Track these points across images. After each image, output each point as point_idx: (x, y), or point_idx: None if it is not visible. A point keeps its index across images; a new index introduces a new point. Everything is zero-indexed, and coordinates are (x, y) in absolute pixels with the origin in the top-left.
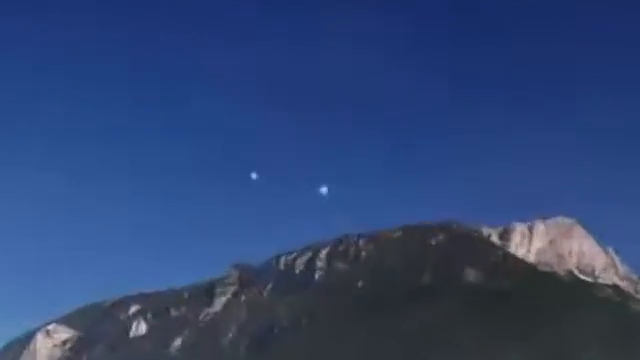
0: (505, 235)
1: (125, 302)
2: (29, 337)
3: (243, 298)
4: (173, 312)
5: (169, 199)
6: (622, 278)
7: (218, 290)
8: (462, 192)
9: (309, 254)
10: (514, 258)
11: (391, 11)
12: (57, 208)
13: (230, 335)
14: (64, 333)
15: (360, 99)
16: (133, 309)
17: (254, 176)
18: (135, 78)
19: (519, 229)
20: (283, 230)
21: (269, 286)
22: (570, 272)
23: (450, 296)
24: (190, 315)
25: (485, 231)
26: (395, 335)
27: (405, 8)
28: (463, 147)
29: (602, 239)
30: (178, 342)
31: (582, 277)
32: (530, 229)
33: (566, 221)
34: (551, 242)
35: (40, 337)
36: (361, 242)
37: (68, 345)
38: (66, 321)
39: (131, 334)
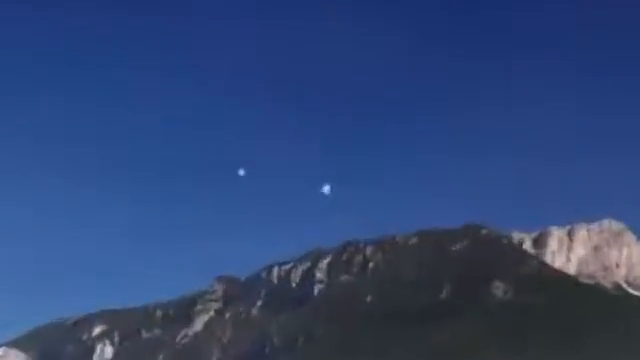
0: (540, 242)
1: (88, 321)
2: None
3: (228, 316)
4: (145, 333)
5: (140, 199)
6: None
7: (199, 307)
8: (488, 190)
9: (307, 264)
10: (551, 269)
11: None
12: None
13: None
14: (16, 358)
15: (366, 89)
16: (98, 329)
17: (241, 172)
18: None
19: (557, 235)
20: (276, 236)
21: (259, 302)
22: (618, 285)
23: (474, 314)
24: (165, 336)
25: (516, 237)
26: None
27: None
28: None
29: None
30: None
31: (632, 291)
32: (570, 235)
33: (614, 226)
34: (595, 250)
35: None
36: (369, 249)
37: None
38: (18, 344)
39: (95, 359)
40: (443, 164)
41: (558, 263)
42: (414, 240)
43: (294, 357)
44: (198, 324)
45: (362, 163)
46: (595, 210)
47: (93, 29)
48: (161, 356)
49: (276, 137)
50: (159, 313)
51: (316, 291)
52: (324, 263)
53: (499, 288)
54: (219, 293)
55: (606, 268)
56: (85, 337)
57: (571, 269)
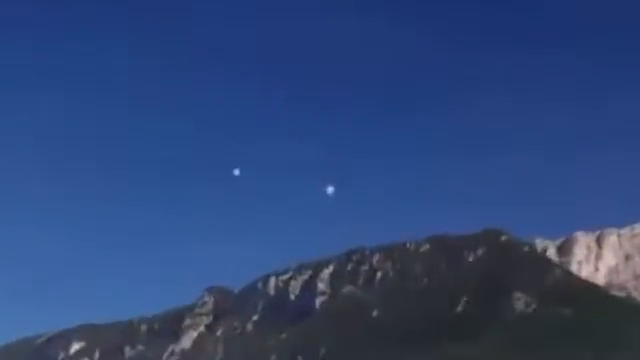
0: (565, 249)
1: (65, 337)
2: None
3: (220, 332)
4: (128, 351)
5: (122, 201)
6: None
7: (187, 322)
8: (508, 192)
9: (308, 273)
10: (577, 279)
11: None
12: None
13: None
14: None
15: (373, 87)
16: (76, 346)
17: (237, 172)
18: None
19: (584, 241)
20: (274, 242)
21: (254, 316)
22: None
23: (493, 329)
24: (150, 354)
25: (539, 244)
26: None
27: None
28: (508, 135)
29: None
30: None
31: None
32: (598, 241)
33: None
34: (627, 258)
35: None
36: (376, 257)
37: None
38: None
39: None
40: (458, 164)
41: (585, 273)
42: (426, 247)
43: None
44: (186, 341)
45: (368, 163)
46: (626, 213)
47: (92, 29)
48: None
49: (275, 135)
50: (143, 328)
51: (318, 304)
52: (326, 273)
53: (520, 300)
54: (210, 306)
55: (638, 278)
56: (62, 356)
57: (600, 279)
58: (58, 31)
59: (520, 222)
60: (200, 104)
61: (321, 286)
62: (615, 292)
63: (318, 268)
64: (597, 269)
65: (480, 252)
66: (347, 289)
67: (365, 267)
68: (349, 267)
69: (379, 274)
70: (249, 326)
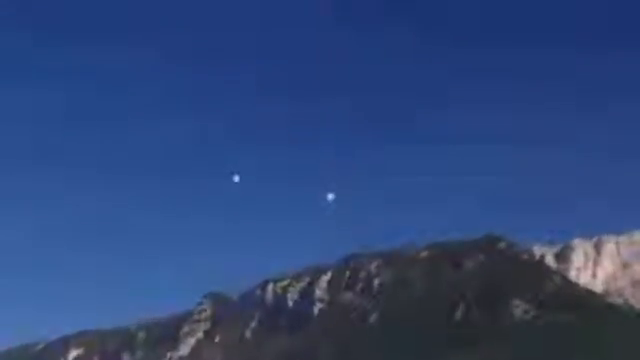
0: (564, 256)
1: (64, 343)
2: None
3: (218, 339)
4: (126, 357)
5: (121, 206)
6: None
7: (186, 328)
8: (506, 199)
9: (306, 280)
10: (575, 286)
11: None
12: None
13: None
14: None
15: (374, 85)
16: (74, 353)
17: (236, 179)
18: None
19: (582, 248)
20: (272, 248)
21: (253, 323)
22: None
23: (492, 335)
24: None
25: (537, 251)
26: None
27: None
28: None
29: None
30: None
31: None
32: (596, 248)
33: None
34: (625, 265)
35: None
36: (374, 264)
37: None
38: None
39: None
40: (455, 171)
41: (583, 279)
42: (424, 254)
43: None
44: (185, 347)
45: (366, 169)
46: (624, 221)
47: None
48: None
49: (273, 141)
50: (142, 335)
51: (316, 311)
52: (324, 280)
53: (519, 307)
54: (208, 313)
55: (636, 284)
56: None
57: (598, 286)
58: (57, 30)
59: (518, 229)
60: (200, 109)
61: (319, 293)
62: (613, 299)
63: (316, 275)
64: (595, 276)
65: (478, 259)
66: (345, 296)
67: (363, 274)
68: (347, 274)
69: (377, 281)
70: (247, 332)
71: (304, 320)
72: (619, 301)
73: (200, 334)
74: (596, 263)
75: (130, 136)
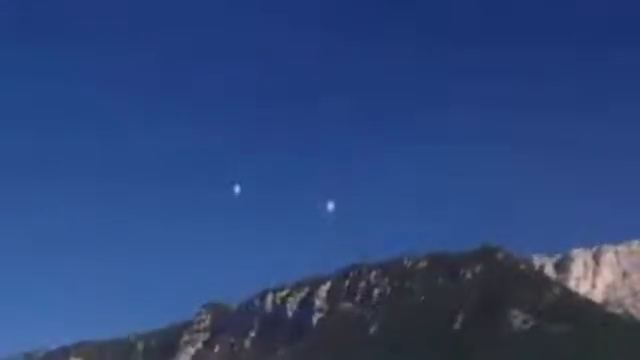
0: (563, 266)
1: (63, 354)
2: None
3: (217, 349)
4: None
5: (119, 213)
6: None
7: (185, 338)
8: (505, 209)
9: (305, 290)
10: (575, 296)
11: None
12: None
13: None
14: None
15: (374, 86)
16: None
17: (237, 189)
18: None
19: (581, 258)
20: (271, 258)
21: (252, 333)
22: None
23: (490, 346)
24: None
25: (536, 261)
26: None
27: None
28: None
29: None
30: None
31: None
32: (596, 258)
33: None
34: (624, 275)
35: None
36: (373, 274)
37: None
38: None
39: None
40: (453, 180)
41: (583, 289)
42: (423, 264)
43: None
44: (184, 357)
45: (365, 178)
46: (623, 230)
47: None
48: None
49: (273, 147)
50: (141, 345)
51: (315, 321)
52: (324, 289)
53: (517, 317)
54: (207, 323)
55: (636, 294)
56: None
57: (597, 296)
58: (56, 35)
59: (517, 239)
60: (200, 114)
61: (318, 303)
62: (613, 309)
63: (315, 285)
64: (595, 286)
65: (477, 269)
66: (344, 306)
67: (362, 284)
68: (347, 284)
69: (376, 291)
70: (246, 343)
71: (303, 330)
72: (619, 311)
73: (199, 344)
74: (595, 273)
75: (128, 143)
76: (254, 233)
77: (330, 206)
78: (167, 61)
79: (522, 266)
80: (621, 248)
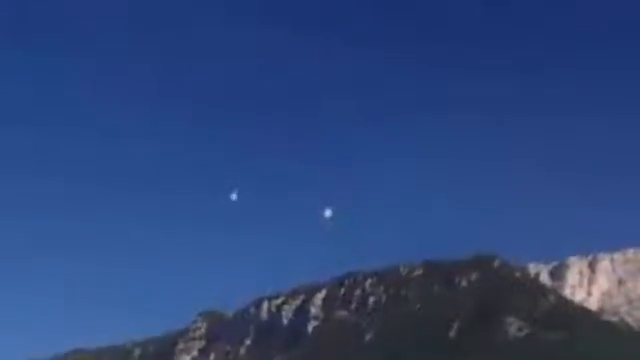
0: (558, 274)
1: None
2: None
3: (213, 356)
4: None
5: (116, 221)
6: None
7: (180, 346)
8: (501, 217)
9: (301, 298)
10: (570, 304)
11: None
12: None
13: None
14: None
15: (375, 86)
16: None
17: (234, 197)
18: None
19: (577, 266)
20: (267, 266)
21: (247, 341)
22: None
23: (486, 353)
24: None
25: (532, 268)
26: None
27: None
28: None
29: None
30: None
31: None
32: (591, 266)
33: None
34: (620, 283)
35: None
36: (368, 282)
37: None
38: None
39: None
40: (449, 188)
41: (578, 297)
42: (419, 272)
43: None
44: None
45: (360, 185)
46: (619, 238)
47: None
48: None
49: (270, 153)
50: (137, 352)
51: (310, 328)
52: (319, 297)
53: (513, 325)
54: (203, 330)
55: (631, 302)
56: None
57: (593, 304)
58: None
59: (513, 247)
60: (198, 120)
61: (314, 311)
62: (608, 317)
63: (311, 292)
64: (590, 294)
65: (473, 277)
66: (340, 314)
67: (358, 292)
68: (342, 292)
69: (372, 299)
70: (242, 350)
71: (299, 338)
72: (614, 319)
73: (195, 352)
74: (591, 281)
75: (124, 149)
76: (249, 241)
77: (328, 213)
78: (166, 64)
79: (518, 274)
80: (616, 256)
